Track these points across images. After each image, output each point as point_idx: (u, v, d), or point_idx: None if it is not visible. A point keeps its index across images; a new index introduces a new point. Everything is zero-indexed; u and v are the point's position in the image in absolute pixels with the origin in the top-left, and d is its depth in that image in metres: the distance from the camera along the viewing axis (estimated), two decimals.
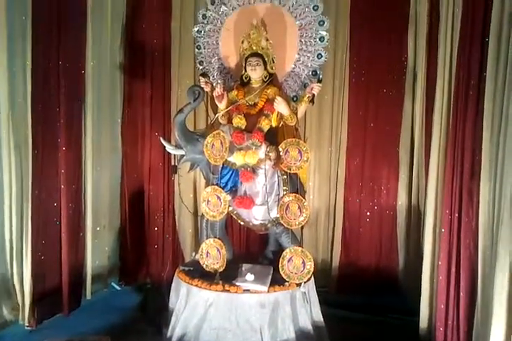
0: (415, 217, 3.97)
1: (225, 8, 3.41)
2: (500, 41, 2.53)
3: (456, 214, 2.80)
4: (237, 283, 3.01)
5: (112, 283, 4.38)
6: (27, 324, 3.40)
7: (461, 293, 2.83)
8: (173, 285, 3.34)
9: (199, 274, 3.18)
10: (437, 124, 3.14)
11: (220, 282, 3.02)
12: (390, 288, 4.12)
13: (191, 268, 3.30)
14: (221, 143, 3.08)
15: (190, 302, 3.09)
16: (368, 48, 4.00)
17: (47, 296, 3.50)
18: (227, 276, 3.10)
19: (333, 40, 3.86)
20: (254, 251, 3.96)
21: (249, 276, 3.04)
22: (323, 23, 3.24)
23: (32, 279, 3.36)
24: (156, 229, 4.38)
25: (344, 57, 4.06)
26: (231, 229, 4.08)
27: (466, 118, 2.73)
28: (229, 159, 3.17)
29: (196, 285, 3.06)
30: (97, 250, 4.11)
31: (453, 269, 2.88)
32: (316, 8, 3.22)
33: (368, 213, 4.20)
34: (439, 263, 2.99)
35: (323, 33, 3.25)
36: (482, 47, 2.69)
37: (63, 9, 3.47)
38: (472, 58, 2.76)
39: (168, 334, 3.14)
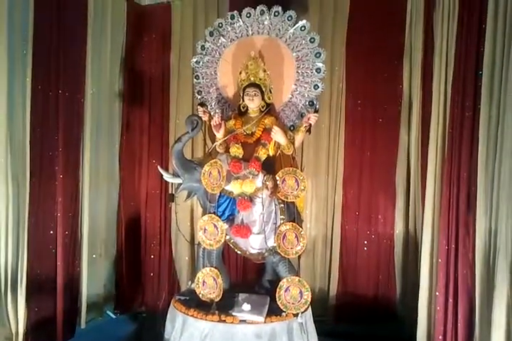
0: (412, 246, 3.95)
1: (224, 40, 3.47)
2: (493, 73, 2.60)
3: (453, 245, 2.82)
4: (234, 313, 2.98)
5: (107, 312, 4.33)
6: None
7: (459, 324, 2.82)
8: (168, 314, 3.30)
9: (195, 304, 3.15)
10: (432, 155, 3.17)
11: (216, 312, 2.99)
12: (388, 318, 4.08)
13: (187, 298, 3.27)
14: (218, 171, 3.10)
15: (185, 333, 3.05)
16: (363, 79, 4.05)
17: (41, 325, 3.45)
18: (224, 306, 3.07)
19: (330, 70, 3.91)
20: (250, 280, 3.93)
21: (246, 306, 3.01)
22: (320, 54, 3.28)
23: (26, 308, 3.34)
24: (152, 257, 4.37)
25: (340, 87, 4.11)
26: (228, 257, 4.05)
27: (461, 150, 2.77)
28: (226, 188, 3.18)
29: (192, 315, 3.03)
30: (93, 278, 4.09)
31: (450, 300, 2.88)
32: (312, 40, 3.28)
33: (365, 242, 4.17)
34: (437, 293, 2.98)
35: (320, 65, 3.29)
36: (476, 79, 2.75)
37: (63, 38, 3.55)
38: (466, 90, 2.83)
39: None
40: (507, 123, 2.46)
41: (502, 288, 2.37)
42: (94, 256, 4.11)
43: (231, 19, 3.43)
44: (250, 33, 3.43)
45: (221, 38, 3.47)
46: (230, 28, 3.44)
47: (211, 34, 3.50)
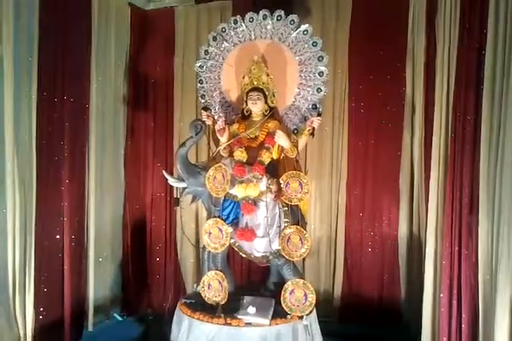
0: (417, 247, 3.97)
1: (227, 44, 3.49)
2: (494, 78, 2.62)
3: (457, 248, 2.83)
4: (239, 316, 3.00)
5: (114, 314, 4.37)
6: None
7: (463, 325, 2.84)
8: (174, 317, 3.32)
9: (201, 307, 3.18)
10: (435, 158, 3.18)
11: (222, 315, 3.01)
12: (393, 319, 4.09)
13: (193, 301, 3.29)
14: (223, 175, 3.12)
15: (191, 335, 3.07)
16: (366, 81, 4.06)
17: (49, 329, 3.49)
18: (229, 309, 3.09)
19: (332, 73, 3.92)
20: (256, 283, 3.95)
21: (251, 309, 3.03)
22: (322, 58, 3.29)
23: (34, 312, 3.38)
24: (157, 259, 4.40)
25: (343, 90, 4.12)
26: (232, 260, 4.08)
27: (464, 154, 2.79)
28: (230, 191, 3.20)
29: (198, 318, 3.05)
30: (99, 281, 4.14)
31: (454, 301, 2.90)
32: (315, 44, 3.28)
33: (370, 243, 4.18)
34: (441, 295, 2.99)
35: (323, 68, 3.30)
36: (478, 83, 2.76)
37: (68, 44, 3.59)
38: (468, 95, 2.84)
39: None
40: (508, 128, 2.48)
41: (504, 290, 2.39)
42: (100, 259, 4.15)
43: (234, 24, 3.44)
44: (253, 37, 3.44)
45: (224, 42, 3.49)
46: (233, 33, 3.46)
47: (214, 39, 3.52)
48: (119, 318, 4.35)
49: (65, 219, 3.59)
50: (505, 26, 2.54)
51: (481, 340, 2.71)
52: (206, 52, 3.56)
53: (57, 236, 3.56)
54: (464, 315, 2.84)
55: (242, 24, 3.42)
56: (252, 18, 3.39)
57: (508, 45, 2.51)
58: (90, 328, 3.96)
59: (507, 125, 2.49)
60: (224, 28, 3.48)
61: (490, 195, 2.57)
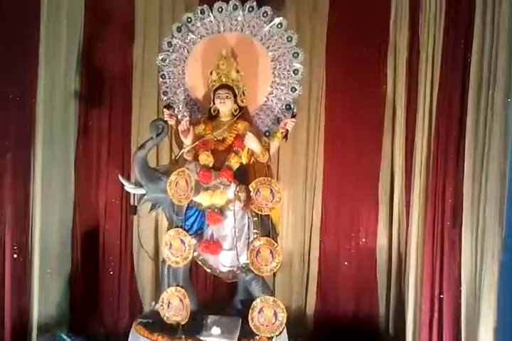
0: (396, 261, 4.03)
1: (193, 36, 3.48)
2: (481, 78, 2.67)
3: (438, 263, 2.89)
4: (202, 338, 3.01)
5: (61, 334, 4.28)
6: None
7: None
8: (129, 338, 3.29)
9: (159, 327, 3.16)
10: (418, 166, 3.24)
11: (183, 337, 3.01)
12: (370, 337, 4.15)
13: (150, 321, 3.27)
14: (186, 181, 3.10)
15: None
16: (344, 81, 4.10)
17: None
18: (191, 329, 3.09)
19: (308, 71, 3.92)
20: (221, 301, 3.93)
21: (215, 330, 3.04)
22: (298, 55, 3.33)
23: None
24: (111, 273, 4.33)
25: (320, 90, 4.16)
26: (195, 275, 4.06)
27: (447, 162, 2.84)
28: (195, 199, 3.19)
29: (156, 340, 3.03)
30: (45, 298, 4.05)
31: (435, 319, 2.95)
32: (289, 39, 3.32)
33: (346, 257, 4.23)
34: (422, 315, 3.04)
35: (298, 66, 3.34)
36: (463, 81, 2.82)
37: (13, 31, 3.52)
38: (453, 93, 2.91)
39: None
40: (494, 130, 2.54)
41: (488, 309, 2.45)
42: (49, 270, 4.08)
43: (201, 14, 3.44)
44: (222, 29, 3.45)
45: (190, 34, 3.48)
46: (199, 24, 3.45)
47: (179, 29, 3.51)
48: (67, 339, 4.26)
49: (7, 227, 3.51)
50: (493, 23, 2.60)
51: None
52: (169, 44, 3.54)
53: None
54: (445, 333, 2.89)
55: (210, 14, 3.42)
56: (221, 8, 3.40)
57: (496, 43, 2.57)
58: None
59: (493, 129, 2.54)
60: (190, 18, 3.47)
61: (474, 205, 2.63)
